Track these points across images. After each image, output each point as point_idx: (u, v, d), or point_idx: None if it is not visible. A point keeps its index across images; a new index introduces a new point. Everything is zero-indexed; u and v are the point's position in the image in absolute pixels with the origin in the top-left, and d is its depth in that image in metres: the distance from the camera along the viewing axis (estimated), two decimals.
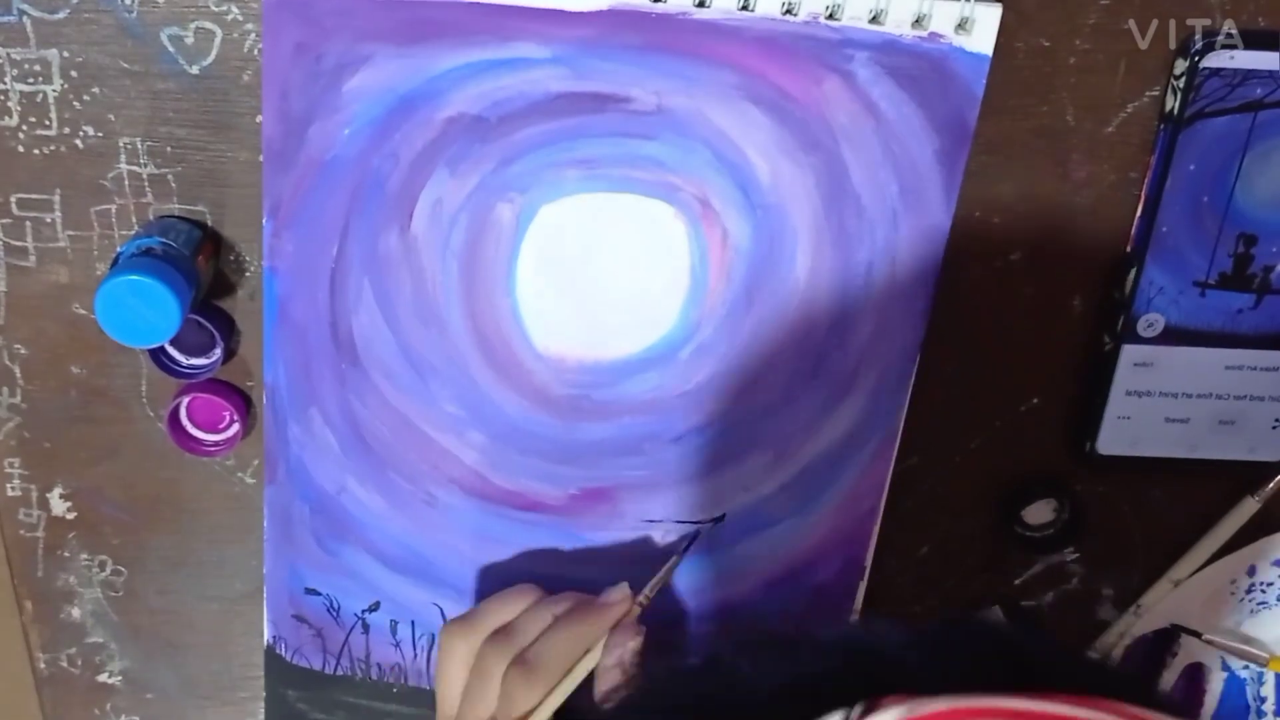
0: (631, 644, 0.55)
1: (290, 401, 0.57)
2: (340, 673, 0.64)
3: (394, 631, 0.63)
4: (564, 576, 0.61)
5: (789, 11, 0.51)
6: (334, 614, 0.63)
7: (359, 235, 0.54)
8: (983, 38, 0.51)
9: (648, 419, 0.58)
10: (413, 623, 0.63)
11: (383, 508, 0.60)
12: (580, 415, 0.58)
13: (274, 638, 0.64)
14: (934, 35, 0.51)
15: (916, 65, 0.52)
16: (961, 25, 0.51)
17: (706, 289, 0.56)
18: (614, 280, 0.55)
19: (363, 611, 0.63)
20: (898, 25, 0.51)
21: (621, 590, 0.57)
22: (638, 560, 0.61)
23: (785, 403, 0.58)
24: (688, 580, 0.62)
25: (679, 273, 0.55)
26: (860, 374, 0.58)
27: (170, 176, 0.53)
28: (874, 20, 0.51)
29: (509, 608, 0.56)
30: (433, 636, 0.63)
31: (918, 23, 0.51)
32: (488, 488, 0.59)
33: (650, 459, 0.59)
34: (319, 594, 0.62)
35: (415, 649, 0.64)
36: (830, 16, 0.51)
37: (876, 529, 0.61)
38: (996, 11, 0.51)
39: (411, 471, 0.59)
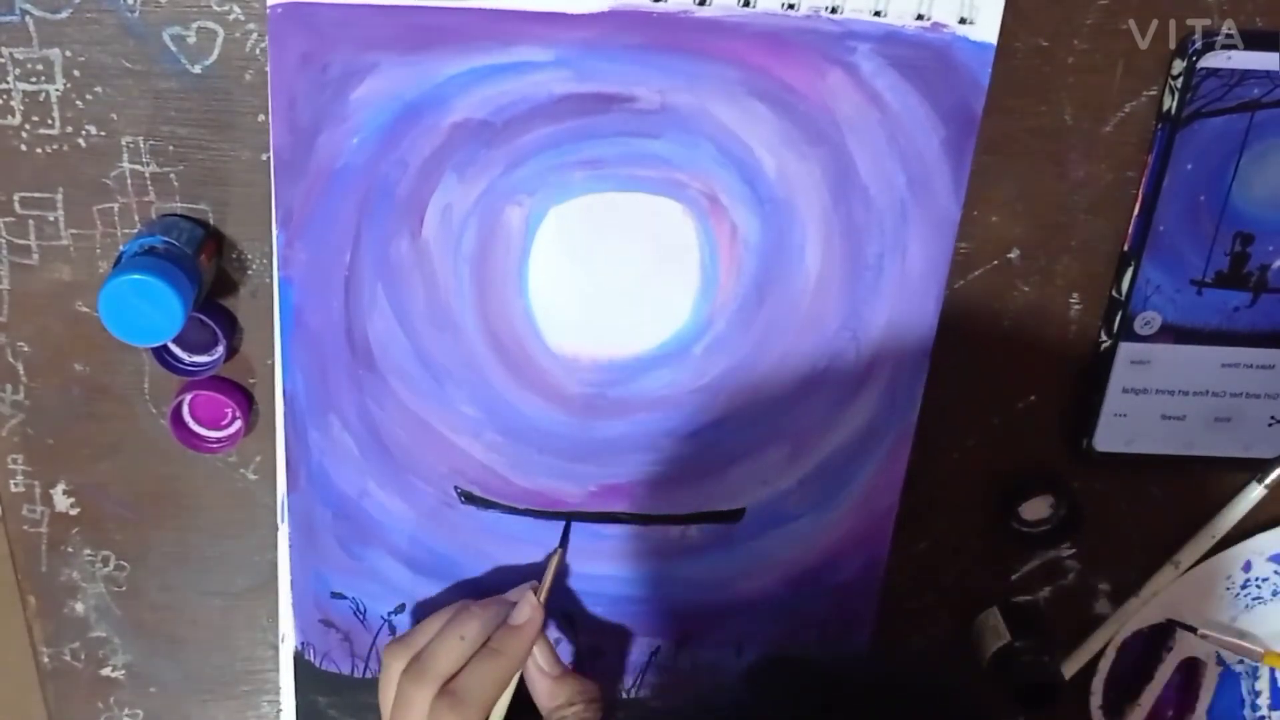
0: (539, 652, 0.57)
1: (309, 408, 0.58)
2: (369, 676, 0.64)
3: None
4: (584, 574, 0.62)
5: (790, 6, 0.51)
6: (360, 617, 0.63)
7: (371, 242, 0.54)
8: (986, 26, 0.51)
9: (663, 415, 0.58)
10: None
11: (404, 510, 0.60)
12: (596, 413, 0.58)
13: (302, 644, 0.63)
14: (937, 25, 0.51)
15: (919, 56, 0.52)
16: (963, 20, 0.51)
17: (717, 284, 0.56)
18: (625, 278, 0.55)
19: (389, 614, 0.63)
20: (900, 17, 0.51)
21: (530, 603, 0.57)
22: (658, 555, 0.61)
23: (800, 396, 0.58)
24: (712, 575, 0.62)
25: (689, 269, 0.56)
26: (874, 366, 0.58)
27: (173, 175, 0.53)
28: (876, 14, 0.51)
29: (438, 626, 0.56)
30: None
31: (919, 17, 0.51)
32: (507, 487, 0.60)
33: (667, 455, 0.59)
34: (345, 598, 0.62)
35: None
36: (832, 11, 0.51)
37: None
38: (999, 1, 0.51)
39: (431, 473, 0.59)
